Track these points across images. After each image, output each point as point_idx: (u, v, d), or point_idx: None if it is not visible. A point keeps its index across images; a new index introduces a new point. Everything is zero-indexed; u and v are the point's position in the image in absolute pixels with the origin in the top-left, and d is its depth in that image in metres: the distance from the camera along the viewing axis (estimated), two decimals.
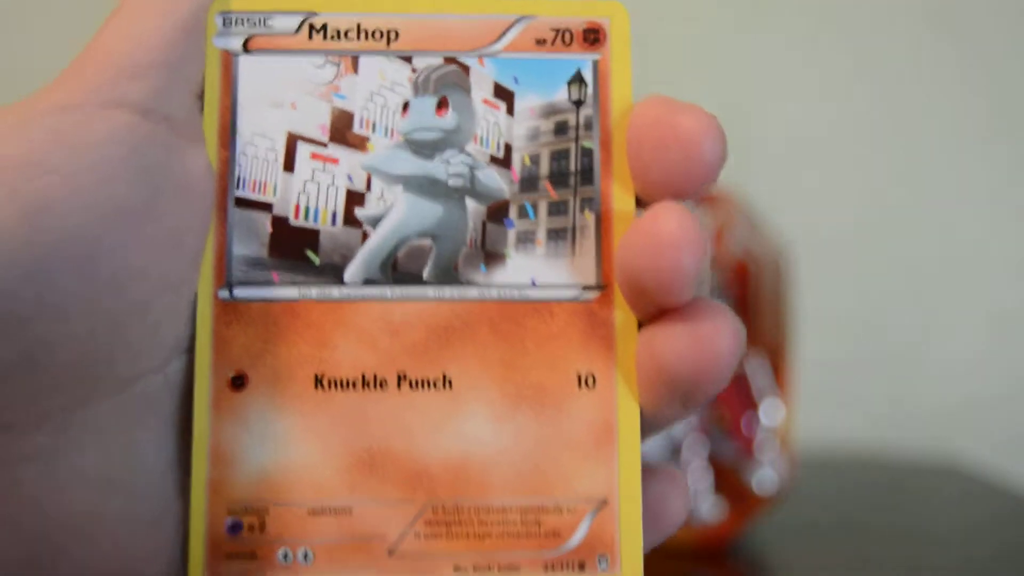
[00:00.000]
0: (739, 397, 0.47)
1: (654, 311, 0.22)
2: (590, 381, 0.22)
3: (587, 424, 0.22)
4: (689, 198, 0.22)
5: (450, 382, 0.22)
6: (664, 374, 0.22)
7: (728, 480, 0.47)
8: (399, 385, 0.22)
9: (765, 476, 0.46)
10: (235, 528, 0.22)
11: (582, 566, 0.22)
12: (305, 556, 0.22)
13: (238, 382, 0.22)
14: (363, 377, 0.22)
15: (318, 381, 0.22)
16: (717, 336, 0.21)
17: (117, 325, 0.20)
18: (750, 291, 0.47)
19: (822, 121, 0.73)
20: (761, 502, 0.46)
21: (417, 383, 0.22)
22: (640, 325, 0.23)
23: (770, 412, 0.47)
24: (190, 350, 0.22)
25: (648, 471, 0.23)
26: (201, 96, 0.23)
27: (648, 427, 0.23)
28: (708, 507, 0.46)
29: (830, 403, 0.67)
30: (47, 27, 0.68)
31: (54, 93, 0.21)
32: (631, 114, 0.23)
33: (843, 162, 0.73)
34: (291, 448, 0.22)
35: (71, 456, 0.20)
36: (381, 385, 0.22)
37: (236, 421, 0.22)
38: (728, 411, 0.47)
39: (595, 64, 0.23)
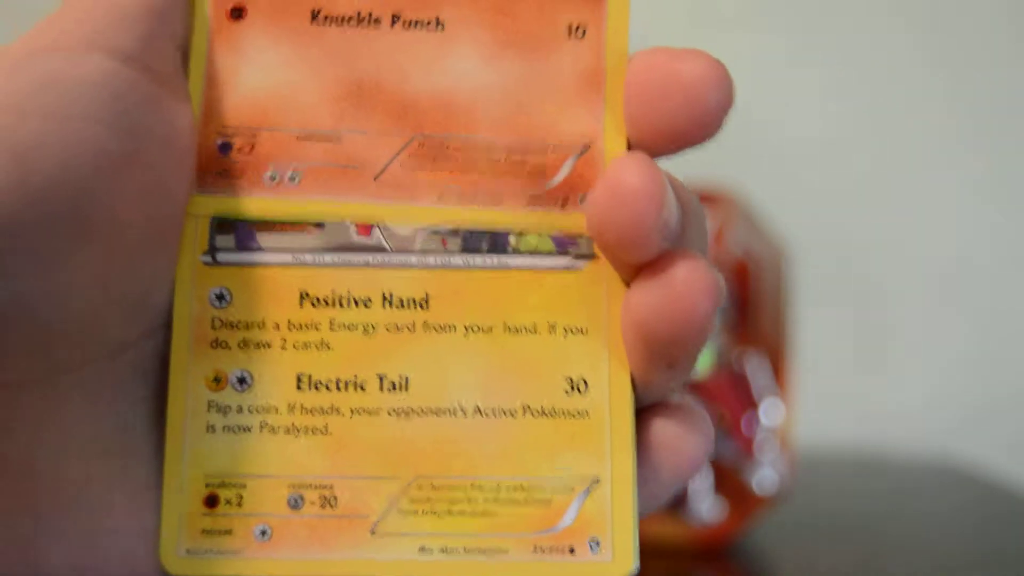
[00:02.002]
0: (739, 397, 0.47)
1: (631, 269, 0.22)
2: (579, 31, 0.22)
3: (575, 72, 0.22)
4: (695, 145, 0.22)
5: (443, 24, 0.22)
6: (642, 333, 0.21)
7: (728, 480, 0.47)
8: (392, 24, 0.22)
9: (765, 476, 0.46)
10: (225, 148, 0.22)
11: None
12: (292, 177, 0.22)
13: (237, 13, 0.22)
14: (358, 14, 0.22)
15: (315, 15, 0.22)
16: (690, 288, 0.20)
17: (103, 281, 0.20)
18: (750, 291, 0.47)
19: (823, 121, 0.73)
20: (761, 502, 0.46)
21: (411, 23, 0.22)
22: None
23: (770, 412, 0.47)
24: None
25: (660, 407, 0.22)
26: (186, 53, 0.23)
27: (643, 397, 0.22)
28: (708, 507, 0.46)
29: (830, 403, 0.67)
30: None
31: (40, 35, 0.21)
32: (631, 63, 0.22)
33: (843, 162, 0.73)
34: (283, 77, 0.22)
35: (63, 421, 0.20)
36: (376, 22, 0.22)
37: (232, 50, 0.22)
38: (728, 411, 0.47)
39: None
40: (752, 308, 0.47)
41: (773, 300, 0.48)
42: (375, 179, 0.22)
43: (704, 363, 0.47)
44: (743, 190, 0.50)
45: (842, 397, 0.69)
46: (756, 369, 0.47)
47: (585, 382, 0.22)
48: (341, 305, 0.22)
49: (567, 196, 0.22)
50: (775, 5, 0.73)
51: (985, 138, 0.73)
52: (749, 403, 0.47)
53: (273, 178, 0.22)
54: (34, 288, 0.19)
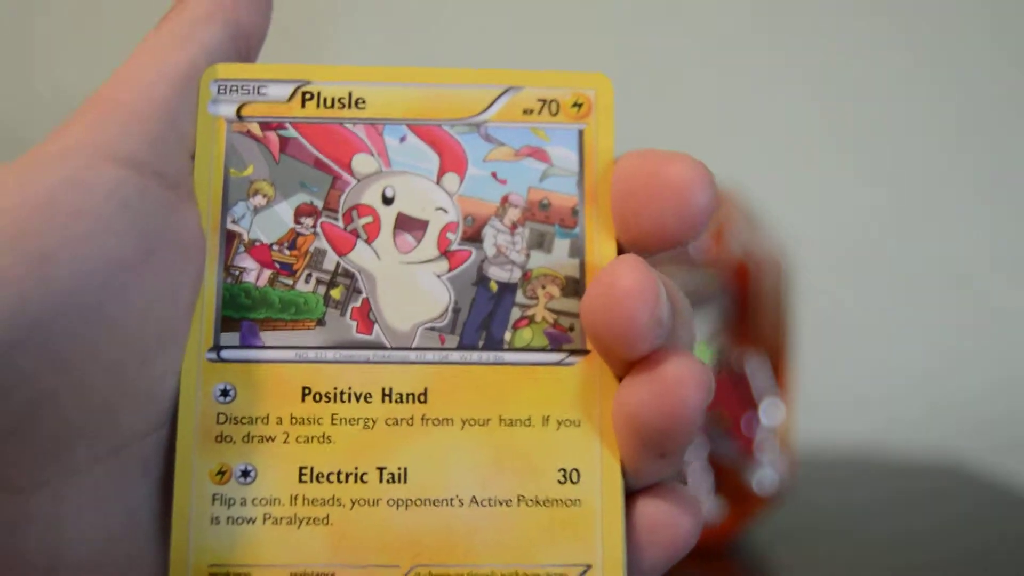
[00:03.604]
0: (739, 397, 0.47)
1: (624, 365, 0.22)
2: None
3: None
4: (683, 245, 0.22)
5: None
6: (634, 426, 0.22)
7: (728, 480, 0.47)
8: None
9: (765, 476, 0.46)
10: None
11: None
12: None
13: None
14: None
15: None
16: (681, 384, 0.21)
17: (116, 381, 0.20)
18: (750, 291, 0.47)
19: (824, 121, 0.73)
20: (761, 502, 0.46)
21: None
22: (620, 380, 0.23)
23: (770, 412, 0.47)
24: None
25: (651, 490, 0.23)
26: (194, 156, 0.23)
27: (634, 483, 0.23)
28: (708, 507, 0.46)
29: (830, 403, 0.67)
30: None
31: (54, 143, 0.22)
32: (616, 165, 0.23)
33: (844, 162, 0.73)
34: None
35: (71, 519, 0.21)
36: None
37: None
38: (728, 411, 0.47)
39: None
40: (752, 308, 0.47)
41: (773, 300, 0.48)
42: None
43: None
44: (743, 190, 0.50)
45: (842, 397, 0.69)
46: (756, 369, 0.47)
47: (577, 472, 0.23)
48: (342, 400, 0.23)
49: None
50: (775, 5, 0.73)
51: (986, 139, 0.73)
52: (749, 403, 0.47)
53: None
54: (54, 386, 0.20)
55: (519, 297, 0.23)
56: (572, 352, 0.23)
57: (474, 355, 0.23)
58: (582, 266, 0.24)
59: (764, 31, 0.73)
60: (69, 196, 0.20)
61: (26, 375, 0.19)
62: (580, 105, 0.24)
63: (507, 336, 0.23)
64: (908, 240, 0.73)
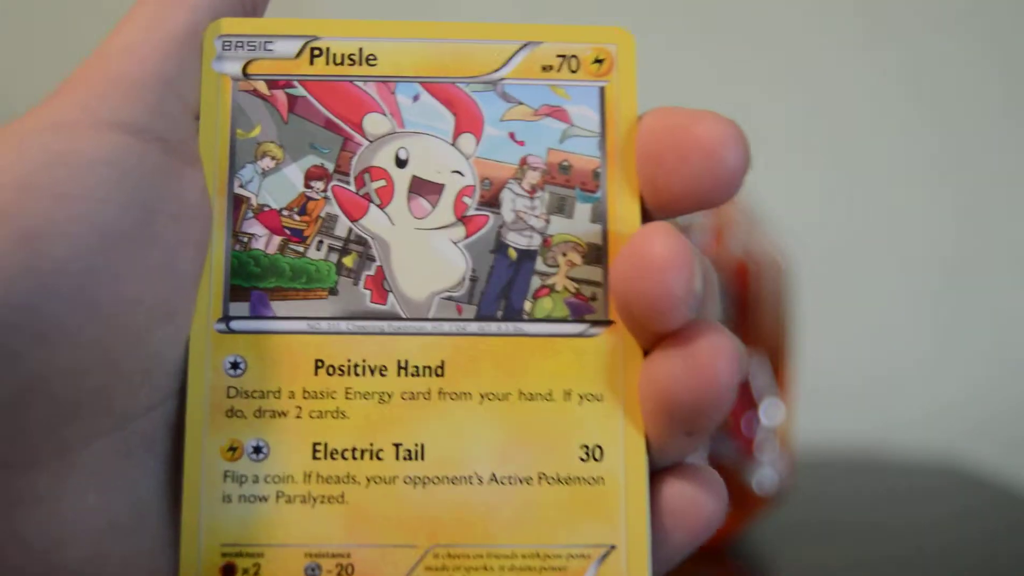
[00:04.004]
0: (739, 397, 0.47)
1: (652, 337, 0.21)
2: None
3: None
4: (715, 206, 0.21)
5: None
6: (663, 401, 0.21)
7: (728, 480, 0.47)
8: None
9: (765, 476, 0.46)
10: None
11: None
12: None
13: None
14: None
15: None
16: (714, 359, 0.20)
17: (112, 357, 0.20)
18: (750, 291, 0.47)
19: (823, 121, 0.73)
20: (761, 502, 0.46)
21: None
22: (647, 354, 0.22)
23: (770, 412, 0.47)
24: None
25: (675, 470, 0.22)
26: (198, 117, 0.22)
27: (658, 461, 0.22)
28: None
29: (830, 403, 0.67)
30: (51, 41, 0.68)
31: (47, 111, 0.20)
32: (640, 124, 0.22)
33: (844, 162, 0.73)
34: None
35: (71, 500, 0.20)
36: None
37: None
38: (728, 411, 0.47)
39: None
40: (752, 308, 0.47)
41: (773, 300, 0.48)
42: None
43: None
44: (743, 190, 0.50)
45: (842, 397, 0.69)
46: (756, 369, 0.47)
47: (600, 449, 0.22)
48: (357, 373, 0.22)
49: None
50: (773, 11, 0.73)
51: (987, 140, 0.73)
52: (749, 403, 0.47)
53: None
54: (44, 368, 0.19)
55: (539, 265, 0.22)
56: (595, 323, 0.22)
57: (492, 326, 0.22)
58: (605, 232, 0.22)
59: (763, 30, 0.73)
60: (60, 168, 0.19)
61: (16, 356, 0.18)
62: (601, 61, 0.23)
63: (527, 306, 0.22)
64: (908, 240, 0.73)
